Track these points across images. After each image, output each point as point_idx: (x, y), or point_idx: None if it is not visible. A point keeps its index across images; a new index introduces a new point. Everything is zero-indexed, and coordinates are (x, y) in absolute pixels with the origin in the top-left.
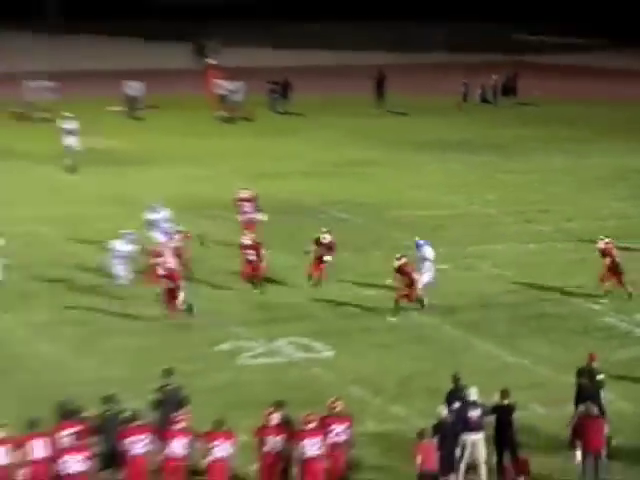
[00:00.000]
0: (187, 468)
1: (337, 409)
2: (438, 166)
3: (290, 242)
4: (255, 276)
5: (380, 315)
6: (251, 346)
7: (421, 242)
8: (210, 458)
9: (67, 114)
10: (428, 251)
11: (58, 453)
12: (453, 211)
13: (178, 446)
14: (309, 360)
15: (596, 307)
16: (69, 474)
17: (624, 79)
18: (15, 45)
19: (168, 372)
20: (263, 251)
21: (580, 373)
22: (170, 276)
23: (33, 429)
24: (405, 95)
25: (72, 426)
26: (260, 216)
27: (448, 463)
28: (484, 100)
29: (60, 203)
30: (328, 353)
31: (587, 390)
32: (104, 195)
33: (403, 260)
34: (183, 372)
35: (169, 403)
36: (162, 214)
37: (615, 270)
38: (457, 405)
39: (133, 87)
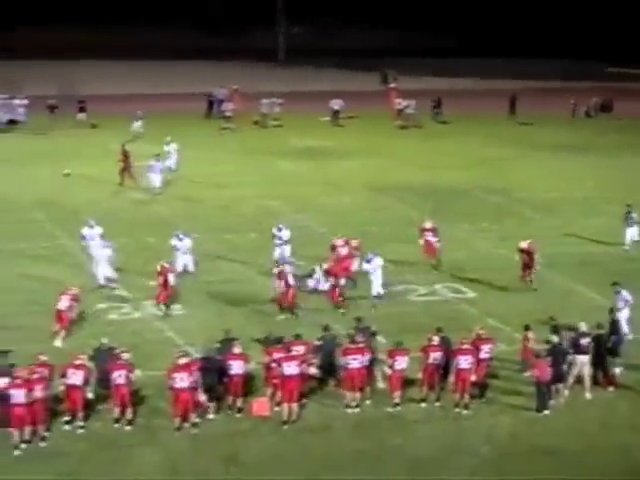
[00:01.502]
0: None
1: (482, 334)
2: (553, 162)
3: (453, 216)
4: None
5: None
6: (417, 288)
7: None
8: (390, 370)
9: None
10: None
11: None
12: (563, 194)
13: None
14: (458, 299)
15: None
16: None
17: None
18: (255, 73)
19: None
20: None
21: None
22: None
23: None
24: (530, 111)
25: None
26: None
27: (558, 376)
28: (588, 115)
29: (285, 185)
30: (472, 294)
31: None
32: (315, 179)
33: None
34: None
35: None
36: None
37: None
38: (567, 334)
39: (337, 103)
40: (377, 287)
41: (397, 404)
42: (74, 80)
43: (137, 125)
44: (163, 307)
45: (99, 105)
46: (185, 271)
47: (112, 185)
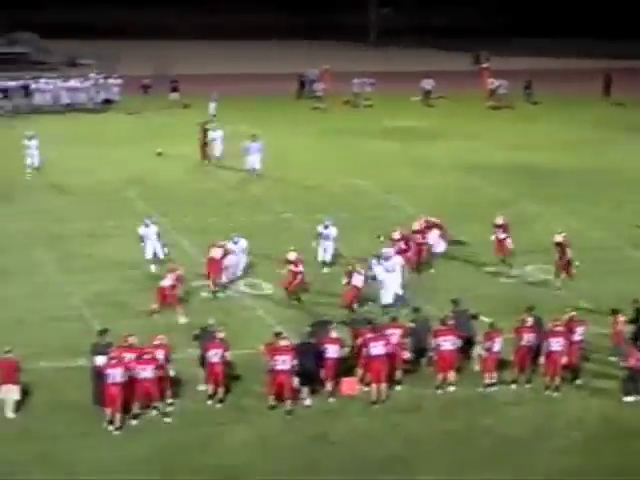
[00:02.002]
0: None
1: (574, 316)
2: None
3: (545, 197)
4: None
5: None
6: (506, 270)
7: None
8: (487, 352)
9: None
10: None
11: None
12: None
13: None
14: (550, 281)
15: None
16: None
17: None
18: (346, 53)
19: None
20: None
21: None
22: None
23: None
24: (624, 92)
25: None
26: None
27: None
28: None
29: (375, 165)
30: (564, 276)
31: None
32: (405, 159)
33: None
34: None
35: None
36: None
37: None
38: None
39: (428, 83)
40: (392, 291)
41: (489, 385)
42: (168, 60)
43: (212, 107)
44: (292, 296)
45: (191, 85)
46: (156, 257)
47: (203, 165)
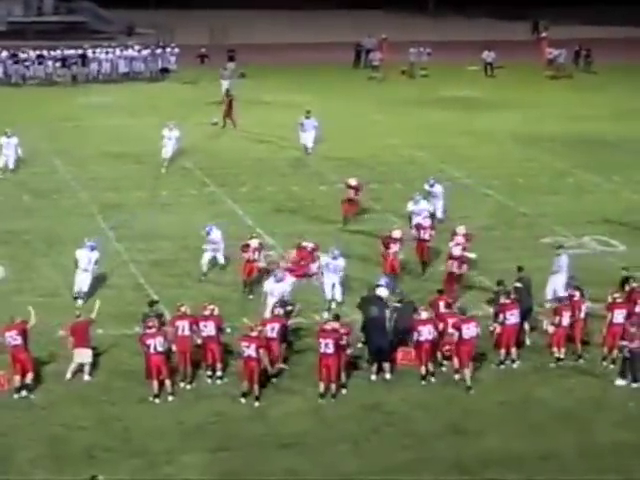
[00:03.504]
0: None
1: (636, 287)
2: None
3: (604, 168)
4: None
5: None
6: (564, 240)
7: None
8: (553, 327)
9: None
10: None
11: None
12: None
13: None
14: (606, 252)
15: None
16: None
17: None
18: (402, 22)
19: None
20: None
21: None
22: None
23: None
24: None
25: None
26: None
27: None
28: None
29: (432, 135)
30: (622, 248)
31: None
32: (463, 130)
33: None
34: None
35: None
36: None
37: None
38: None
39: (489, 55)
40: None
41: (559, 359)
42: (225, 30)
43: (224, 84)
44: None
45: (248, 54)
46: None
47: (259, 135)
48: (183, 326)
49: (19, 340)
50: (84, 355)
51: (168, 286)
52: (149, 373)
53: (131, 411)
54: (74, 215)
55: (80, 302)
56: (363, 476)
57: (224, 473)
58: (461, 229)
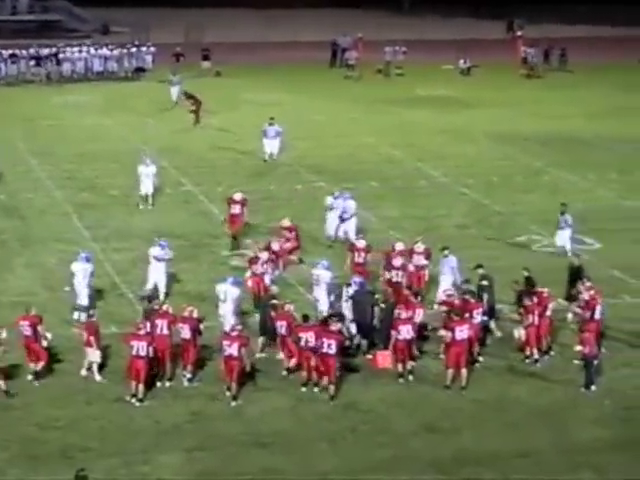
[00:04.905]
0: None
1: None
2: None
3: (578, 166)
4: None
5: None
6: (540, 239)
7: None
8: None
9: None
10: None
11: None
12: None
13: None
14: (581, 250)
15: None
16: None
17: None
18: (378, 21)
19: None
20: None
21: None
22: None
23: None
24: None
25: None
26: None
27: None
28: None
29: (408, 134)
30: (597, 245)
31: None
32: (438, 128)
33: None
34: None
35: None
36: None
37: None
38: None
39: (465, 63)
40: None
41: (535, 360)
42: (200, 28)
43: (173, 92)
44: None
45: (224, 53)
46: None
47: (236, 134)
48: (162, 325)
49: (29, 331)
50: (94, 354)
51: (144, 285)
52: (129, 373)
53: (107, 411)
54: (49, 214)
55: (76, 315)
56: (340, 474)
57: (201, 473)
58: (400, 245)
